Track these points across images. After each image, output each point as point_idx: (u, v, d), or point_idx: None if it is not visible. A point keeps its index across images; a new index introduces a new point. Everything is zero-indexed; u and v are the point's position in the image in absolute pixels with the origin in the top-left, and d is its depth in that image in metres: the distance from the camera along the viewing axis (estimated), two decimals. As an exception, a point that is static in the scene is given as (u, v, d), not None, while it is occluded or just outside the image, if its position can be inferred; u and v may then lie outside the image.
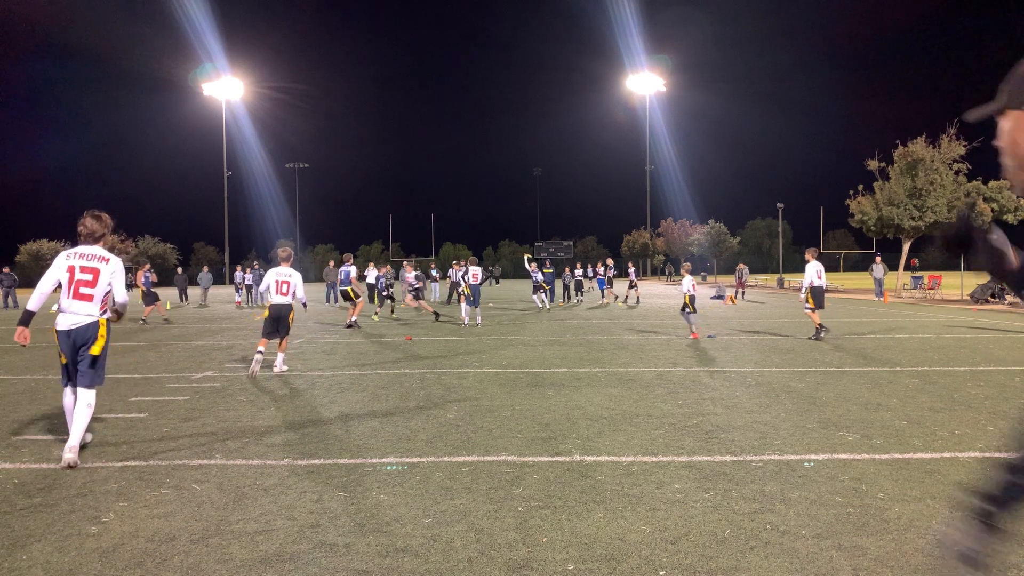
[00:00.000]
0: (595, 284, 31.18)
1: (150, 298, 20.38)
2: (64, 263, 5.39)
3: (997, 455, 5.03)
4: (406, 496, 4.27)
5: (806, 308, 13.42)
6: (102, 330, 5.40)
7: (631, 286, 28.19)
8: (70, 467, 4.97)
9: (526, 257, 25.49)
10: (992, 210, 33.03)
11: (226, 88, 65.22)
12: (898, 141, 33.65)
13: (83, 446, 5.41)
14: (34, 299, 5.32)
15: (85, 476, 4.75)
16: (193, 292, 34.92)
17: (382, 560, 3.36)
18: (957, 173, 32.65)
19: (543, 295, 23.01)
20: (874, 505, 4.02)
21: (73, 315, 5.31)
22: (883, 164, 34.34)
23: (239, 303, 28.47)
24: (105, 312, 5.46)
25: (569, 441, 5.53)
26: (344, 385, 8.33)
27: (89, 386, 5.26)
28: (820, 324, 13.19)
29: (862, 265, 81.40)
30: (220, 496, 4.31)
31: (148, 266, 22.74)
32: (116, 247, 70.79)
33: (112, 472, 4.84)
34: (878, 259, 30.66)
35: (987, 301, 24.64)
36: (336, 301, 27.88)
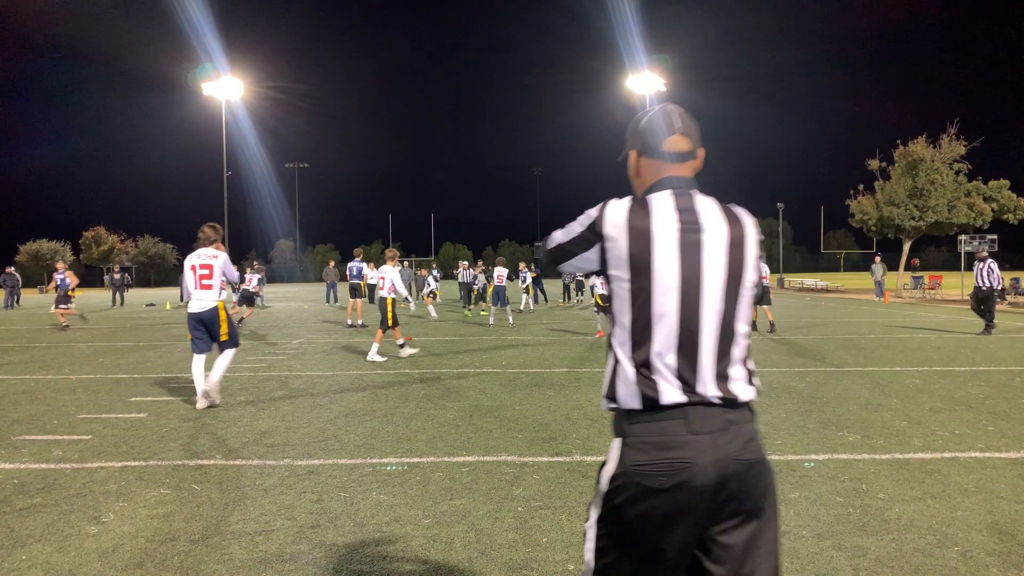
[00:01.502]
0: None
1: (63, 301, 17.71)
2: (187, 264, 7.13)
3: (997, 455, 5.04)
4: (406, 496, 4.27)
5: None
6: (222, 314, 7.14)
7: None
8: (212, 405, 7.00)
9: (521, 265, 25.13)
10: (992, 210, 33.02)
11: (226, 88, 65.11)
12: (898, 141, 33.66)
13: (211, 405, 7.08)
14: (184, 292, 7.27)
15: (85, 476, 4.75)
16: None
17: (382, 560, 3.36)
18: (958, 173, 32.64)
19: (528, 300, 22.28)
20: (874, 505, 4.02)
21: (199, 301, 7.09)
22: (883, 164, 34.33)
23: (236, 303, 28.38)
24: (223, 295, 7.20)
25: (569, 441, 5.53)
26: (344, 385, 8.33)
27: (231, 347, 7.23)
28: (756, 320, 14.91)
29: (862, 265, 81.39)
30: (220, 496, 4.31)
31: (63, 266, 18.82)
32: (116, 247, 70.80)
33: (112, 472, 4.84)
34: (878, 259, 30.64)
35: (987, 301, 24.61)
36: (336, 301, 27.88)
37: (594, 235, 1.72)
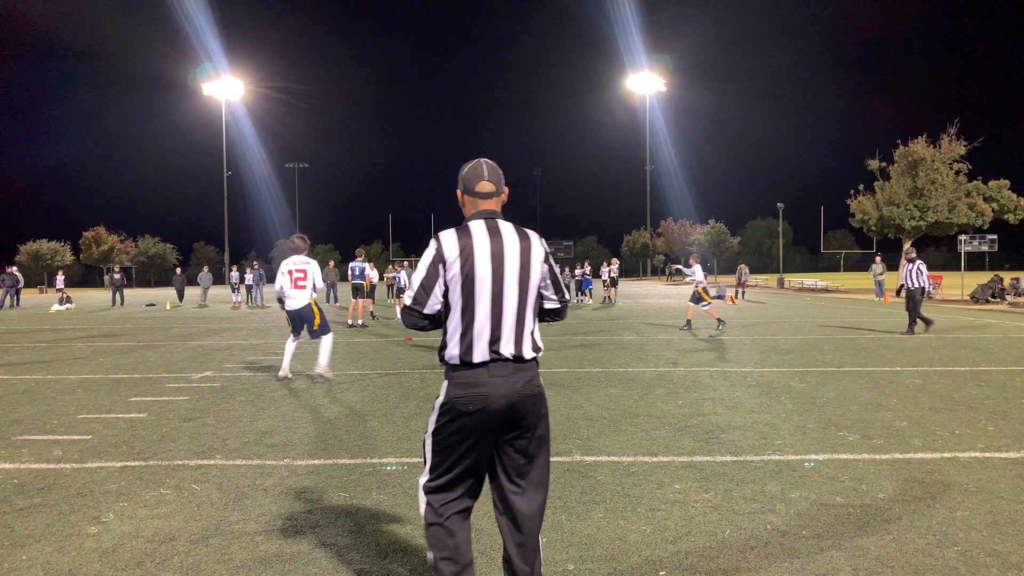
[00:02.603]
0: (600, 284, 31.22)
1: None
2: (285, 268, 8.52)
3: (997, 455, 5.04)
4: (406, 496, 4.26)
5: (705, 306, 14.99)
6: (315, 309, 8.60)
7: (613, 284, 28.46)
8: (323, 378, 8.56)
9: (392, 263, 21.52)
10: (992, 210, 33.02)
11: (226, 88, 65.11)
12: (899, 141, 33.68)
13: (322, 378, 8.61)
14: (276, 290, 8.58)
15: (85, 476, 4.75)
16: (193, 292, 34.93)
17: (382, 560, 3.36)
18: (958, 173, 32.65)
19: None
20: (874, 505, 4.02)
21: (295, 300, 8.51)
22: (884, 164, 34.36)
23: (237, 303, 28.40)
24: (314, 294, 8.63)
25: (569, 441, 5.53)
26: (344, 385, 8.33)
27: (323, 335, 8.60)
28: (690, 320, 15.55)
29: (862, 265, 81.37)
30: (220, 496, 4.31)
31: None
32: (116, 247, 70.78)
33: (112, 472, 4.84)
34: (878, 259, 30.66)
35: (987, 301, 24.63)
36: (336, 301, 27.88)
37: (440, 260, 2.45)
